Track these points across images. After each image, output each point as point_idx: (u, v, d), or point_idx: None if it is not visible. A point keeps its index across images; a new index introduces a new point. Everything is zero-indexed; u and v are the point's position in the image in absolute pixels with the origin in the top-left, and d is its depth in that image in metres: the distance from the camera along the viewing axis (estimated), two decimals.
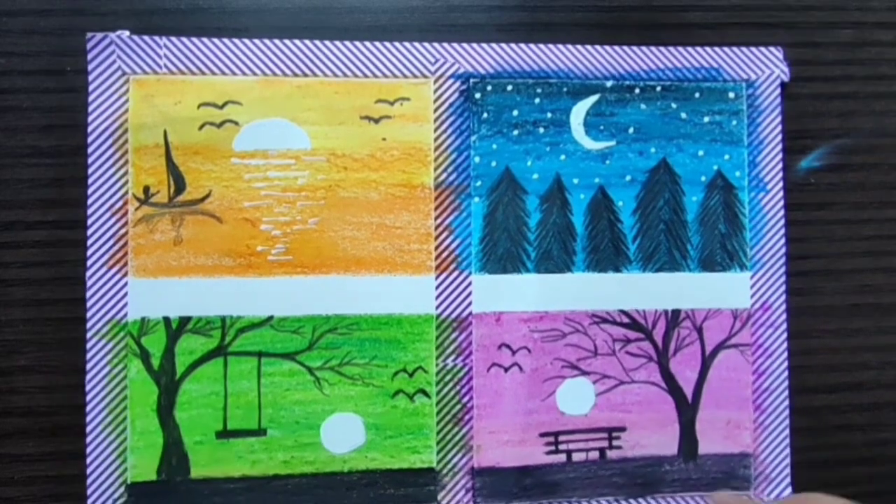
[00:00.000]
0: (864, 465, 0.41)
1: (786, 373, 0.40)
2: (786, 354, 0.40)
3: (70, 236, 0.37)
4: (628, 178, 0.40)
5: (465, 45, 0.39)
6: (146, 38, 0.38)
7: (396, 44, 0.39)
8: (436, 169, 0.39)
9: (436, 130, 0.39)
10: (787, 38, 0.41)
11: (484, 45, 0.39)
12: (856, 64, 0.42)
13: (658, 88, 0.40)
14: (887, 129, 0.42)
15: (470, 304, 0.39)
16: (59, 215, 0.38)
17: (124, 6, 0.38)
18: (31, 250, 0.37)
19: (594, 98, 0.40)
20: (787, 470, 0.40)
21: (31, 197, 0.38)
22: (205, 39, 0.38)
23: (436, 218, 0.39)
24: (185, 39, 0.38)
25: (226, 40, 0.38)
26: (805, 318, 0.41)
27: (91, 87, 0.37)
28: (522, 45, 0.40)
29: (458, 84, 0.39)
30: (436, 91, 0.39)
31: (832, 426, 0.41)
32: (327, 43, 0.39)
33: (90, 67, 0.37)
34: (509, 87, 0.39)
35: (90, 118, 0.37)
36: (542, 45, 0.40)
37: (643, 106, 0.40)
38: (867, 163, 0.42)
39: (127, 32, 0.37)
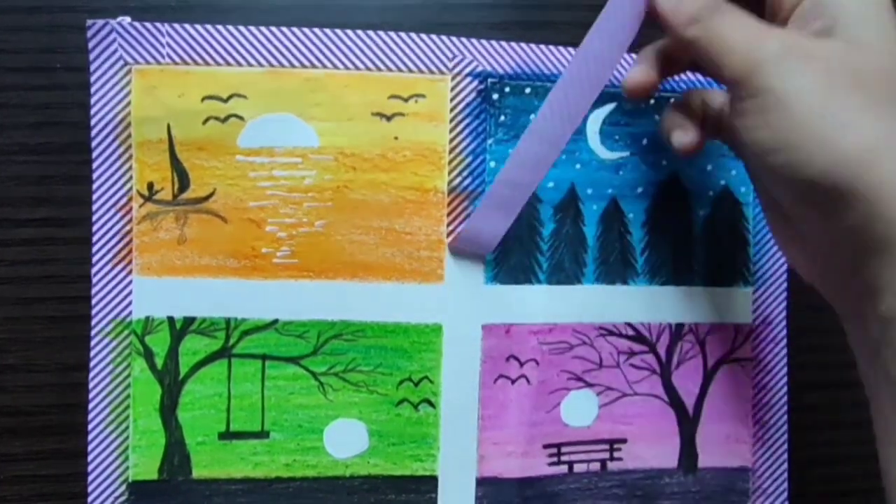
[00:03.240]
0: (854, 463, 0.42)
1: (785, 388, 0.41)
2: (785, 370, 0.41)
3: (59, 234, 0.37)
4: (640, 189, 0.39)
5: (483, 41, 0.38)
6: (147, 24, 0.36)
7: (413, 35, 0.37)
8: (450, 172, 0.38)
9: (451, 132, 0.38)
10: None
11: (503, 42, 0.38)
12: None
13: (672, 100, 0.39)
14: None
15: (480, 314, 0.38)
16: (48, 213, 0.37)
17: (116, 3, 0.37)
18: (19, 248, 0.37)
19: (611, 106, 0.39)
20: (785, 485, 0.40)
21: (20, 194, 0.37)
22: (208, 27, 0.36)
23: (448, 224, 0.38)
24: (187, 27, 0.36)
25: (231, 28, 0.36)
26: (796, 316, 0.41)
27: (93, 78, 0.35)
28: (542, 47, 0.38)
29: (475, 83, 0.38)
30: (453, 89, 0.38)
31: (822, 423, 0.41)
32: (338, 32, 0.37)
33: (91, 56, 0.35)
34: (527, 90, 0.38)
35: (92, 111, 0.36)
36: (561, 48, 0.38)
37: (657, 117, 0.39)
38: None
39: (128, 19, 0.36)
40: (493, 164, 0.38)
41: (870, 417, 0.30)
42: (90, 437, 0.36)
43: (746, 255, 0.40)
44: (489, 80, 0.38)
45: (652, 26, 0.32)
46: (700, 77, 0.39)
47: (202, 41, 0.36)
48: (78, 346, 0.36)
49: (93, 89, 0.35)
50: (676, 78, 0.39)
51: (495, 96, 0.38)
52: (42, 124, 0.37)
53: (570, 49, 0.38)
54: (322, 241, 0.37)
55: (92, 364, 0.36)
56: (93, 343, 0.36)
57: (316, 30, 0.37)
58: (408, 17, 0.38)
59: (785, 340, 0.40)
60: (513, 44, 0.38)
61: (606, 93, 0.38)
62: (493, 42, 0.38)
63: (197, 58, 0.36)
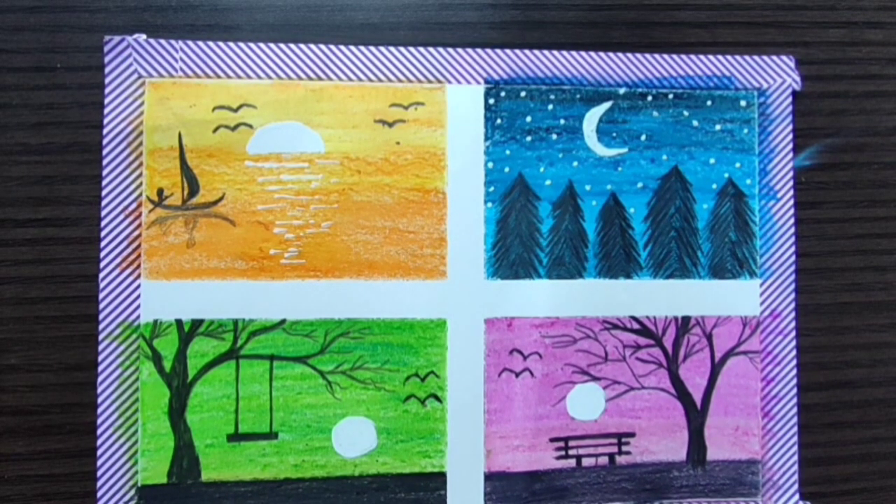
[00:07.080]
0: (854, 463, 0.41)
1: (794, 380, 0.40)
2: (794, 362, 0.40)
3: (61, 234, 0.37)
4: (640, 185, 0.40)
5: (479, 50, 0.39)
6: (162, 41, 0.38)
7: (411, 49, 0.39)
8: (449, 174, 0.39)
9: (450, 136, 0.39)
10: (778, 37, 0.42)
11: (498, 50, 0.39)
12: (846, 63, 0.42)
13: (670, 96, 0.40)
14: (877, 127, 0.42)
15: (482, 309, 0.39)
16: (50, 213, 0.37)
17: (115, 3, 0.38)
18: (21, 248, 0.37)
19: (607, 105, 0.40)
20: (795, 477, 0.40)
21: (22, 195, 0.37)
22: (220, 43, 0.38)
23: (449, 223, 0.39)
24: (200, 43, 0.38)
25: (241, 44, 0.38)
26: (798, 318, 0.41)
27: (107, 90, 0.37)
28: (536, 52, 0.40)
29: (472, 90, 0.39)
30: (450, 96, 0.39)
31: (822, 424, 0.41)
32: (342, 47, 0.39)
33: (107, 70, 0.37)
34: (523, 94, 0.40)
35: (105, 120, 0.37)
36: (555, 52, 0.40)
37: (655, 113, 0.40)
38: (857, 161, 0.42)
39: (143, 36, 0.38)
40: (490, 164, 0.39)
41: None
42: (99, 441, 0.36)
43: (753, 247, 0.41)
44: (485, 86, 0.39)
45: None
46: (698, 75, 0.41)
47: (214, 56, 0.38)
48: (80, 345, 0.37)
49: (107, 100, 0.37)
50: (675, 74, 0.40)
51: (491, 101, 0.39)
52: (43, 124, 0.38)
53: (564, 52, 0.40)
54: (328, 242, 0.38)
55: (100, 368, 0.37)
56: (100, 347, 0.37)
57: (321, 45, 0.39)
58: (407, 16, 0.40)
59: (794, 332, 0.40)
60: (507, 50, 0.40)
61: (603, 91, 0.40)
62: (488, 50, 0.39)
63: (209, 71, 0.38)
